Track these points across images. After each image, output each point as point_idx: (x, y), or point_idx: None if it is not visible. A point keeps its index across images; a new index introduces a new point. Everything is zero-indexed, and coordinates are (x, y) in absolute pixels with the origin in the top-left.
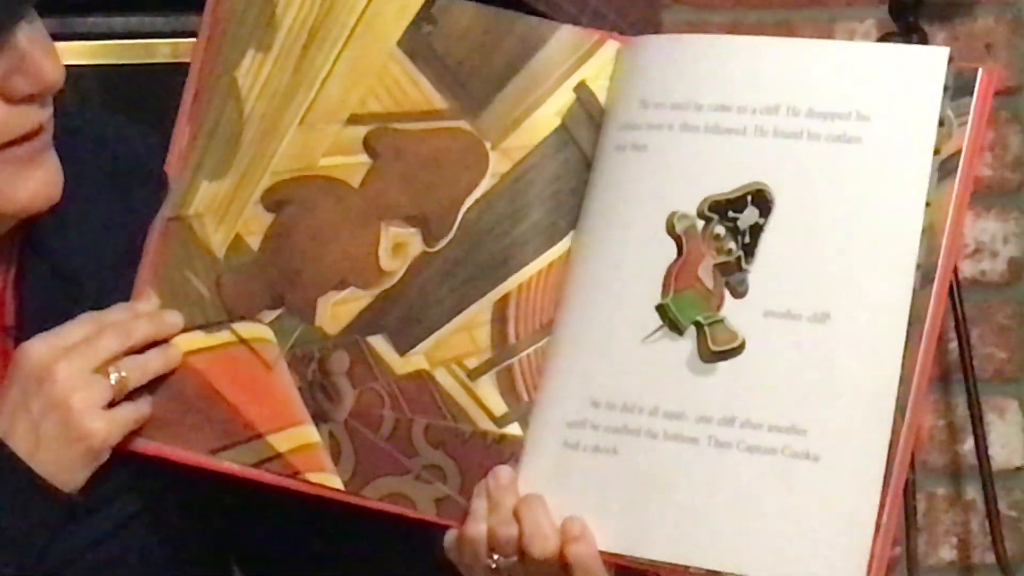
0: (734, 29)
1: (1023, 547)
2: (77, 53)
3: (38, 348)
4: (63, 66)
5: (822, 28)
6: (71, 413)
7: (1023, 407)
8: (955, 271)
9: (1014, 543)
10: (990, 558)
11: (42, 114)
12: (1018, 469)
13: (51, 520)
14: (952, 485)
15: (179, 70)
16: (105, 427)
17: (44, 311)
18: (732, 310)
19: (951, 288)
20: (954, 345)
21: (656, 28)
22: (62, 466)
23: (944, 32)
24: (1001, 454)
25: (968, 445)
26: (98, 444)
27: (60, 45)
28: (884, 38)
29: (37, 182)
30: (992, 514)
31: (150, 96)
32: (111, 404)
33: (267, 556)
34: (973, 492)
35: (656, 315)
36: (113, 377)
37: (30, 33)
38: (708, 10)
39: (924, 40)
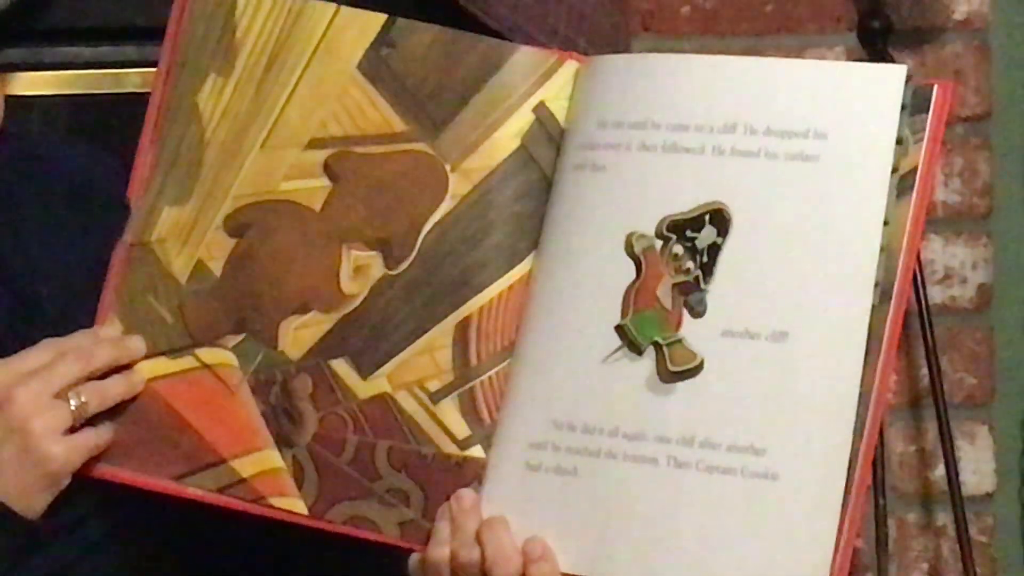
0: None
1: (993, 572)
2: (48, 83)
3: None
4: None
5: (791, 55)
6: (30, 437)
7: (993, 432)
8: (925, 297)
9: (985, 569)
10: None
11: None
12: (988, 495)
13: (13, 546)
14: (923, 511)
15: (148, 100)
16: (64, 452)
17: (6, 337)
18: (691, 330)
19: (921, 315)
20: (924, 371)
21: None
22: (22, 491)
23: (913, 58)
24: (972, 480)
25: (939, 471)
26: (57, 468)
27: (31, 75)
28: None
29: None
30: (963, 540)
31: (120, 125)
32: (72, 429)
33: None
34: (944, 518)
35: (616, 336)
36: (73, 402)
37: None
38: (676, 37)
39: None
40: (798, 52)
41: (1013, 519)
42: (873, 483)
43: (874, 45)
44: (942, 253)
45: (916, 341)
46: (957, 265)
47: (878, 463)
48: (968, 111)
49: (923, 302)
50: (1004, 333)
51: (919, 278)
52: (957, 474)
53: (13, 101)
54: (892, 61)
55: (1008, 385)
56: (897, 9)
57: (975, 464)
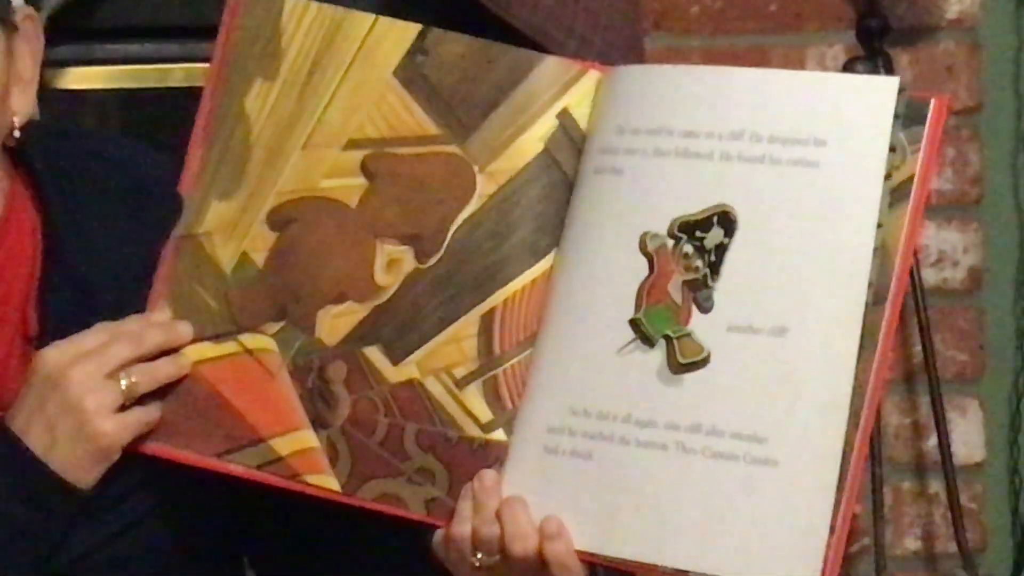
0: (711, 52)
1: (983, 537)
2: (97, 78)
3: (54, 354)
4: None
5: (794, 52)
6: (83, 414)
7: (983, 406)
8: (919, 279)
9: (974, 534)
10: (952, 548)
11: None
12: (978, 464)
13: (65, 515)
14: (917, 479)
15: (192, 94)
16: (115, 428)
17: (64, 321)
18: (699, 324)
19: (916, 295)
20: (918, 348)
21: (639, 52)
22: (75, 464)
23: (908, 55)
24: (962, 450)
25: (932, 442)
26: (108, 444)
27: (82, 70)
28: (850, 62)
29: None
30: (954, 506)
31: (165, 118)
32: (123, 408)
33: (278, 554)
34: (936, 486)
35: (630, 328)
36: (123, 382)
37: None
38: (686, 35)
39: (888, 63)
40: (800, 50)
41: (1001, 487)
42: (871, 453)
43: (871, 43)
44: (935, 238)
45: (910, 320)
46: (949, 249)
47: (875, 435)
48: (959, 105)
49: (917, 284)
50: (993, 313)
51: (914, 261)
52: (949, 445)
53: (65, 95)
54: (887, 57)
55: (997, 361)
56: (893, 9)
57: (965, 436)
